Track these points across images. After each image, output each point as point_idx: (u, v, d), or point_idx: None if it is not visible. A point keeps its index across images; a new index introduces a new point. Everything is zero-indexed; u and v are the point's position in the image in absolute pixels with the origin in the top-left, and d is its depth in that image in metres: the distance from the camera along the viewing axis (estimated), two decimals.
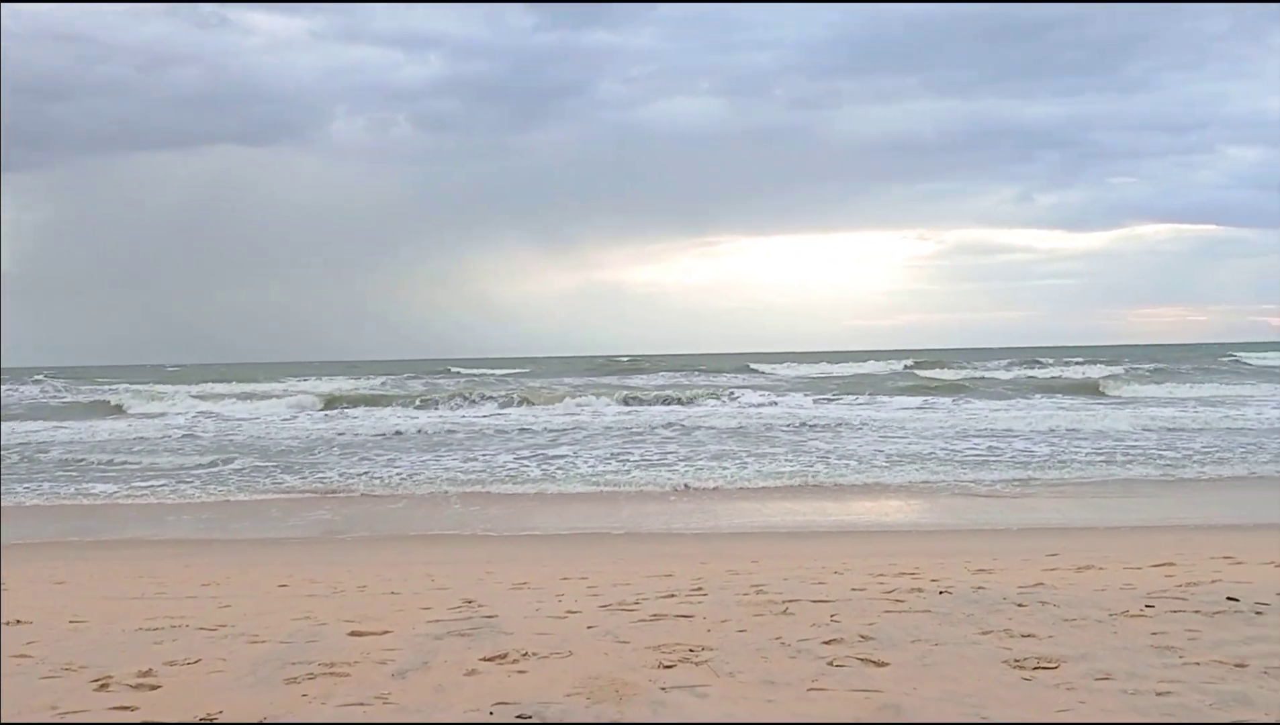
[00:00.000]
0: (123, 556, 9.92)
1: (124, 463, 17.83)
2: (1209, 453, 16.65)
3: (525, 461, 17.04)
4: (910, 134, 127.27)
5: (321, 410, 29.19)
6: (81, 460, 18.16)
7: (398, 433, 22.16)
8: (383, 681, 4.40)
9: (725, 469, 15.79)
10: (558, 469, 16.16)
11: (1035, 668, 4.32)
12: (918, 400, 30.04)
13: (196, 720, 3.94)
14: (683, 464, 16.40)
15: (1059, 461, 16.09)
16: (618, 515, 12.33)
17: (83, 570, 8.72)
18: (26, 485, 15.15)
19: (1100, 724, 3.65)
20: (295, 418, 26.88)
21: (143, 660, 4.82)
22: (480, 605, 6.13)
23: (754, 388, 35.47)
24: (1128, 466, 15.54)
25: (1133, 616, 5.25)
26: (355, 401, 31.19)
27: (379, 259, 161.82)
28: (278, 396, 32.76)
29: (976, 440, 18.97)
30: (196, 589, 7.36)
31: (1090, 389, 33.85)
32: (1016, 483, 14.35)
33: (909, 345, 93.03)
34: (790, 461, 16.56)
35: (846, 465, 16.04)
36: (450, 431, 22.32)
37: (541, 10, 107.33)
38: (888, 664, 4.43)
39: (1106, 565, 7.36)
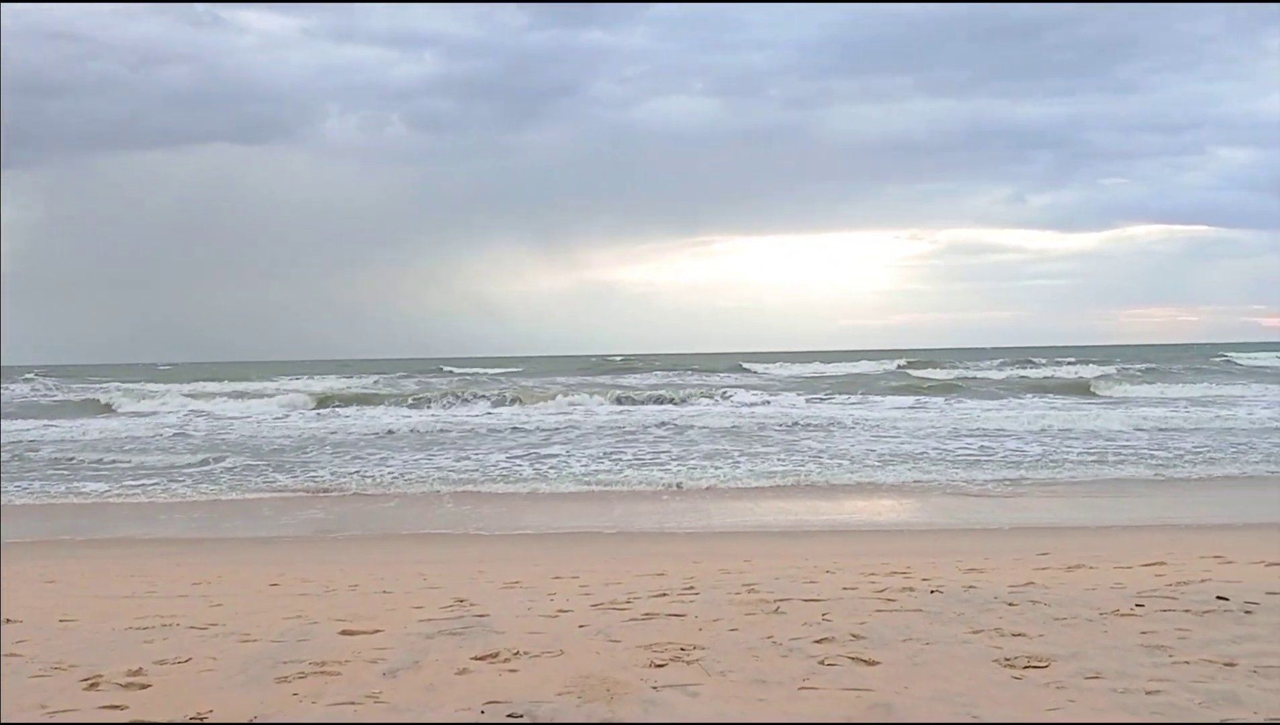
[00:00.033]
0: (114, 555, 9.89)
1: (115, 461, 17.79)
2: (1200, 453, 16.71)
3: (518, 460, 17.03)
4: (904, 134, 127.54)
5: (314, 409, 29.15)
6: (72, 459, 18.11)
7: (390, 432, 22.13)
8: (374, 680, 4.39)
9: (718, 468, 15.80)
10: (550, 468, 16.15)
11: (1026, 667, 4.33)
12: (910, 400, 30.09)
13: (187, 719, 3.93)
14: (675, 463, 16.41)
15: (1051, 461, 16.13)
16: (610, 514, 12.33)
17: (73, 569, 8.70)
18: (17, 484, 15.11)
19: (1090, 724, 3.66)
20: (287, 416, 26.83)
21: (133, 659, 4.81)
22: (472, 604, 6.13)
23: (747, 387, 35.49)
24: (1119, 466, 15.59)
25: (1123, 615, 5.26)
26: (347, 400, 31.13)
27: (372, 258, 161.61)
28: (270, 395, 32.67)
29: (969, 440, 19.01)
30: (187, 588, 7.35)
31: (1082, 389, 33.93)
32: (1008, 482, 14.38)
33: (902, 345, 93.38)
34: (783, 461, 16.58)
35: (839, 465, 16.06)
36: (443, 430, 22.30)
37: (535, 9, 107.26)
38: (879, 663, 4.44)
39: (1097, 564, 7.38)
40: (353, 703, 4.10)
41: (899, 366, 49.20)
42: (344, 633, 5.33)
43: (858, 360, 56.44)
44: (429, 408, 29.37)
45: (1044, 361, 52.30)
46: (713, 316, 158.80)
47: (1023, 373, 43.54)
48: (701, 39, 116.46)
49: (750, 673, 4.33)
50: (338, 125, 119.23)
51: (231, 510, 13.17)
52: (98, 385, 40.27)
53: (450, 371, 52.29)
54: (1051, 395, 31.73)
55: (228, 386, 37.68)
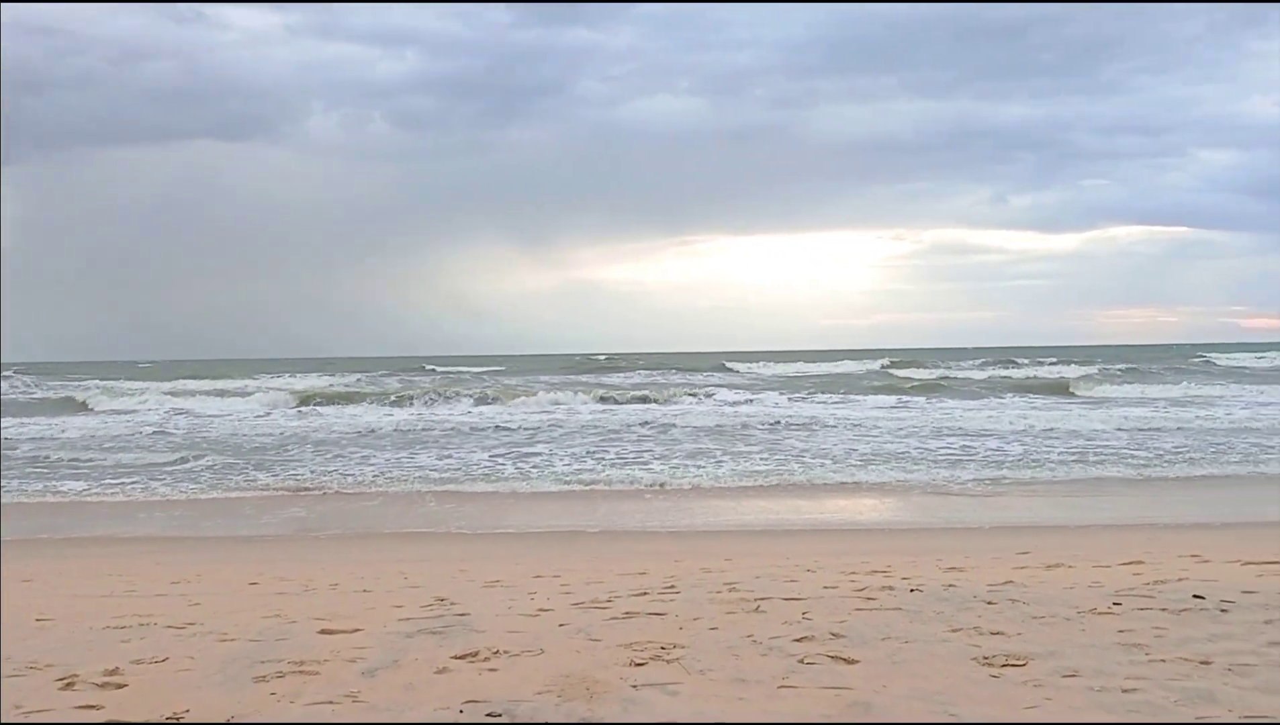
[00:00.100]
0: (92, 554, 9.83)
1: (93, 460, 17.67)
2: (1179, 453, 16.82)
3: (500, 459, 17.00)
4: (887, 134, 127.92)
5: (295, 407, 29.02)
6: (50, 457, 17.97)
7: (372, 430, 22.07)
8: (352, 680, 4.38)
9: (701, 467, 15.81)
10: (533, 467, 16.13)
11: (1004, 665, 4.35)
12: (892, 399, 30.21)
13: (163, 719, 3.91)
14: (658, 462, 16.42)
15: (1032, 461, 16.21)
16: (593, 513, 12.33)
17: (51, 568, 8.63)
18: None
19: (1066, 723, 3.68)
20: (268, 414, 26.71)
21: (109, 659, 4.78)
22: (452, 603, 6.12)
23: (730, 386, 35.55)
24: (1099, 466, 15.68)
25: (1100, 614, 5.29)
26: (329, 399, 31.01)
27: (355, 256, 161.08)
28: (251, 393, 32.50)
29: (950, 439, 19.08)
30: (166, 587, 7.30)
31: (1062, 389, 34.11)
32: (989, 482, 14.45)
33: (885, 344, 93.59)
34: (765, 460, 16.61)
35: (821, 464, 16.09)
36: (425, 429, 22.25)
37: (520, 8, 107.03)
38: (858, 661, 4.45)
39: (1076, 563, 7.41)
40: (331, 702, 4.08)
41: (882, 366, 49.36)
42: (323, 632, 5.31)
43: (841, 360, 56.59)
44: (411, 406, 29.28)
45: (1026, 361, 52.60)
46: (696, 316, 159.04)
47: (1004, 373, 43.76)
48: (686, 38, 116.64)
49: (730, 671, 4.34)
50: (320, 122, 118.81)
51: (211, 509, 13.11)
52: (77, 383, 40.01)
53: (433, 370, 52.17)
54: (1032, 395, 31.90)
55: (208, 384, 37.51)
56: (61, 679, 4.44)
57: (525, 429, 21.84)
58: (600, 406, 28.37)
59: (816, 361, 55.50)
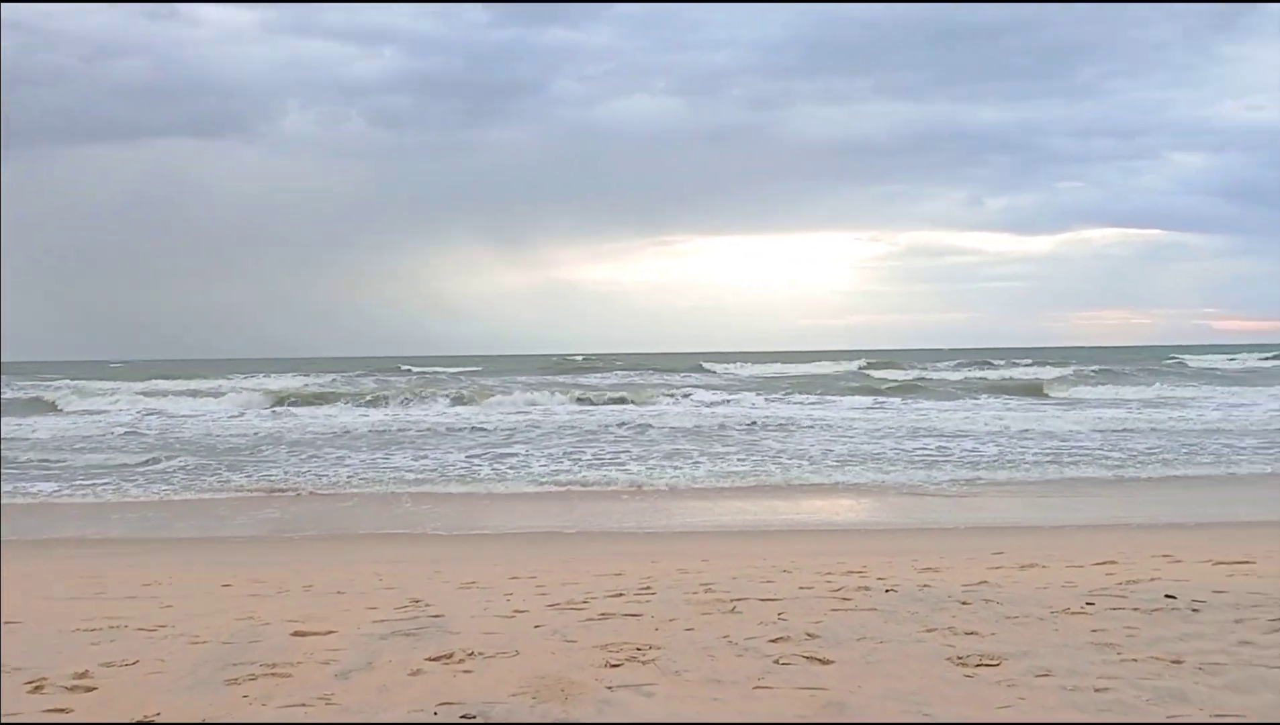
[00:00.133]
0: (61, 556, 9.72)
1: (64, 461, 17.48)
2: (1153, 453, 16.97)
3: (477, 460, 16.95)
4: (863, 136, 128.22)
5: (270, 408, 28.82)
6: (20, 458, 17.76)
7: (347, 431, 21.95)
8: (325, 682, 4.35)
9: (678, 468, 15.82)
10: (509, 468, 16.09)
11: (978, 665, 4.36)
12: (869, 400, 30.33)
13: (133, 722, 3.87)
14: (635, 463, 16.41)
15: (1007, 462, 16.31)
16: (569, 514, 12.31)
17: (20, 570, 8.52)
18: None
19: (1039, 723, 3.69)
20: (242, 415, 26.50)
21: (79, 661, 4.73)
22: (427, 605, 6.08)
23: (708, 387, 35.59)
24: (1074, 467, 15.79)
25: (1074, 614, 5.33)
26: (305, 399, 30.82)
27: (331, 255, 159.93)
28: (225, 393, 32.25)
29: (926, 440, 19.17)
30: (137, 589, 7.23)
31: (1036, 390, 34.35)
32: (965, 482, 14.52)
33: (862, 345, 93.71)
34: (742, 461, 16.63)
35: (798, 465, 16.13)
36: (401, 430, 22.16)
37: (497, 7, 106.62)
38: (833, 662, 4.46)
39: (1050, 564, 7.46)
40: (304, 704, 4.05)
41: (859, 367, 49.55)
42: (296, 634, 5.27)
43: (818, 360, 56.77)
44: (387, 407, 29.13)
45: (1002, 363, 52.93)
46: (674, 316, 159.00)
47: (980, 374, 44.04)
48: (663, 38, 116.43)
49: (705, 672, 4.34)
50: (296, 120, 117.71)
51: (184, 510, 12.99)
52: (47, 383, 39.56)
53: (409, 370, 51.91)
54: (1007, 396, 32.11)
55: (181, 384, 37.16)
56: (30, 682, 4.38)
57: (502, 430, 21.79)
58: (577, 407, 28.34)
59: (794, 362, 55.65)
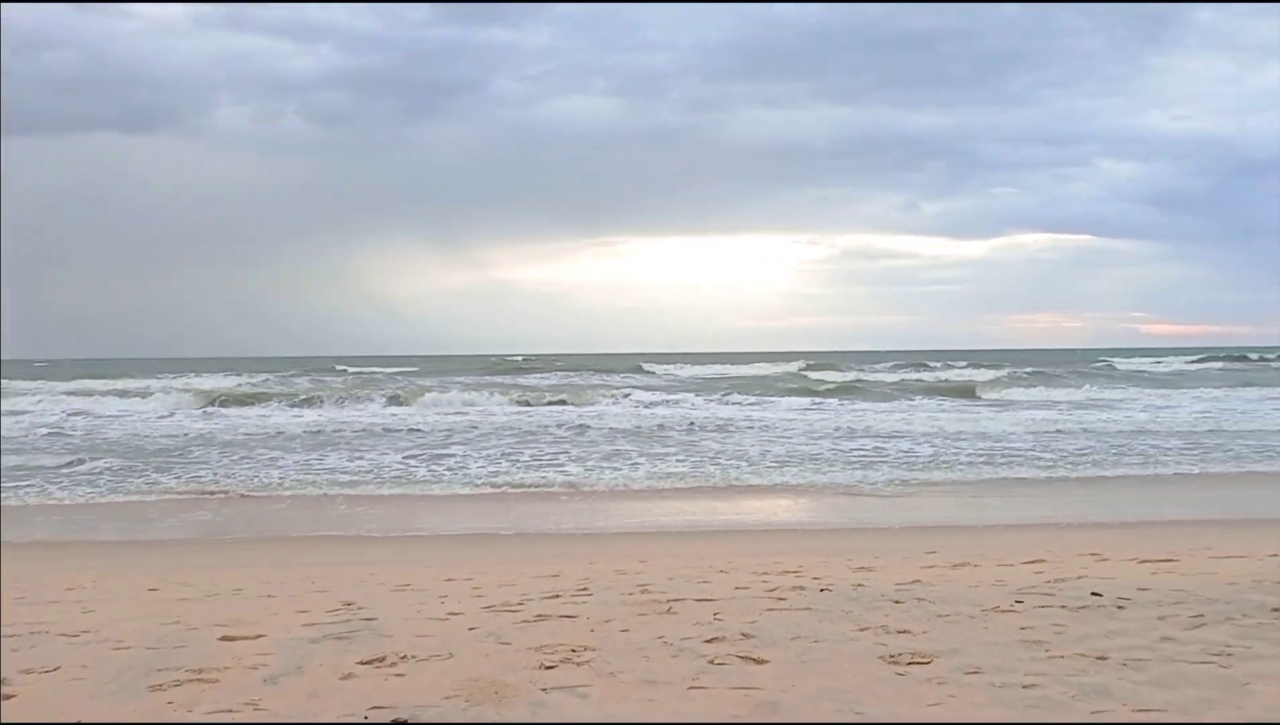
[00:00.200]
0: None
1: None
2: (1083, 454, 17.32)
3: (414, 462, 16.78)
4: (801, 139, 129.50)
5: (201, 408, 28.26)
6: None
7: (281, 432, 21.60)
8: (254, 687, 4.26)
9: (617, 469, 15.81)
10: (447, 469, 15.95)
11: (909, 663, 4.41)
12: (807, 401, 30.60)
13: None
14: (574, 464, 16.37)
15: (942, 462, 16.54)
16: (507, 516, 12.23)
17: None
18: None
19: (965, 723, 3.74)
20: (172, 415, 25.93)
21: None
22: (360, 608, 6.00)
23: (647, 388, 35.65)
24: (1006, 467, 16.07)
25: (1003, 612, 5.41)
26: (237, 399, 30.28)
27: (265, 253, 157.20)
28: (154, 394, 31.55)
29: (863, 441, 19.39)
30: (59, 593, 7.03)
31: (969, 392, 34.91)
32: (900, 483, 14.70)
33: (801, 347, 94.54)
34: (682, 462, 16.67)
35: (736, 465, 16.21)
36: (336, 431, 21.86)
37: (436, 6, 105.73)
38: (767, 661, 4.48)
39: (981, 562, 7.57)
40: (230, 710, 3.98)
41: (799, 369, 49.97)
42: (224, 638, 5.17)
43: (757, 362, 57.16)
44: (322, 407, 28.72)
45: (938, 365, 53.78)
46: (614, 317, 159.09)
47: (917, 376, 44.68)
48: (603, 39, 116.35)
49: (640, 673, 4.33)
50: (230, 116, 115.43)
51: (110, 513, 12.68)
52: None
53: (345, 370, 51.25)
54: (943, 398, 32.59)
55: (108, 384, 36.31)
56: None
57: (439, 431, 21.61)
58: (516, 408, 28.21)
59: (733, 363, 56.00)
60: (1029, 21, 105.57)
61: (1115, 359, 62.65)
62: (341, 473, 15.58)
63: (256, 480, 14.96)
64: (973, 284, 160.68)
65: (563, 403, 29.39)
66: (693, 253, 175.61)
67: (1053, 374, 43.53)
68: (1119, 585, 6.08)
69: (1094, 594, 5.79)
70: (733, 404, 29.96)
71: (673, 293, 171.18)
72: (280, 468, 16.11)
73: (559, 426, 22.14)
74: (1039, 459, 16.83)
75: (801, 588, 6.32)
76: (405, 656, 4.66)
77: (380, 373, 49.10)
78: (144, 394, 31.51)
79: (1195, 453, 17.44)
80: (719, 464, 16.38)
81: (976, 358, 65.18)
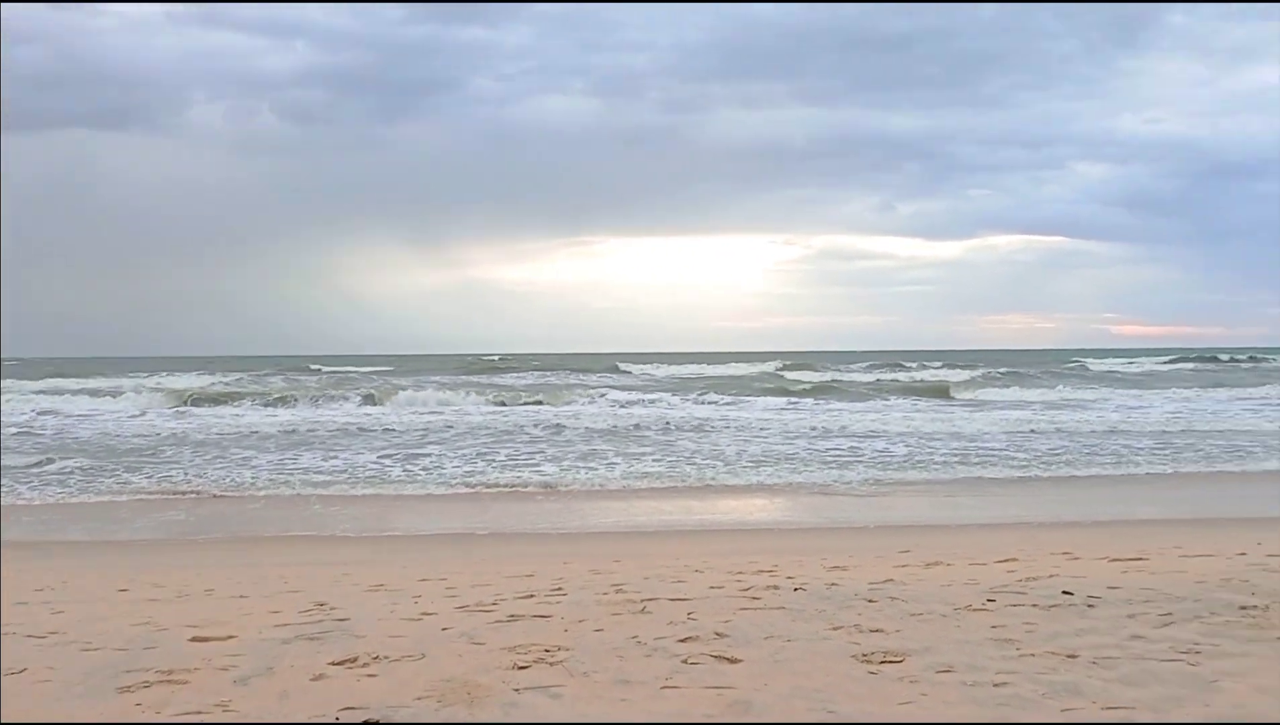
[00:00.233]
0: None
1: None
2: (1056, 454, 17.45)
3: (388, 461, 16.70)
4: (778, 140, 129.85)
5: (173, 407, 28.02)
6: None
7: (254, 431, 21.44)
8: (224, 688, 4.23)
9: (593, 469, 15.79)
10: (422, 469, 15.89)
11: (882, 662, 4.43)
12: (783, 401, 30.68)
13: None
14: (550, 464, 16.34)
15: (916, 462, 16.62)
16: (482, 516, 12.20)
17: None
18: None
19: (936, 722, 3.76)
20: (143, 415, 25.70)
21: None
22: (333, 608, 5.97)
23: (624, 388, 35.65)
24: (980, 467, 16.16)
25: (975, 610, 5.44)
26: (210, 398, 30.06)
27: (239, 252, 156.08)
28: (125, 393, 31.25)
29: (839, 441, 19.45)
30: (28, 594, 6.95)
31: (943, 392, 35.11)
32: (875, 482, 14.76)
33: (777, 347, 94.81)
34: (658, 461, 16.67)
35: (712, 465, 16.23)
36: (310, 430, 21.72)
37: (413, 5, 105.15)
38: (741, 660, 4.49)
39: (954, 561, 7.61)
40: (199, 712, 3.94)
41: (775, 369, 50.10)
42: (195, 639, 5.13)
43: (733, 362, 57.27)
44: (296, 406, 28.55)
45: (913, 365, 54.08)
46: (590, 316, 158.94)
47: (893, 376, 44.91)
48: (581, 39, 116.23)
49: (613, 673, 4.32)
50: (203, 113, 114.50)
51: (80, 513, 12.55)
52: None
53: (320, 370, 50.95)
54: (918, 398, 32.76)
55: (80, 383, 35.94)
56: None
57: (415, 430, 21.51)
58: (492, 407, 28.13)
59: (709, 363, 56.09)
60: (1004, 24, 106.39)
61: (1088, 359, 63.16)
62: (316, 472, 15.49)
63: (229, 480, 14.86)
64: (947, 285, 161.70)
65: (539, 402, 29.34)
66: (670, 253, 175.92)
67: (1026, 374, 43.81)
68: (1090, 584, 6.13)
69: (1065, 593, 5.84)
70: (709, 404, 29.99)
71: (649, 293, 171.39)
72: (253, 467, 16.00)
73: (535, 426, 22.10)
74: (1013, 459, 16.94)
75: (775, 587, 6.34)
76: (377, 657, 4.64)
77: (355, 372, 48.86)
78: (115, 393, 31.15)
79: (1166, 452, 17.60)
80: (695, 464, 16.39)
81: (951, 358, 65.62)
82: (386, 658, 4.62)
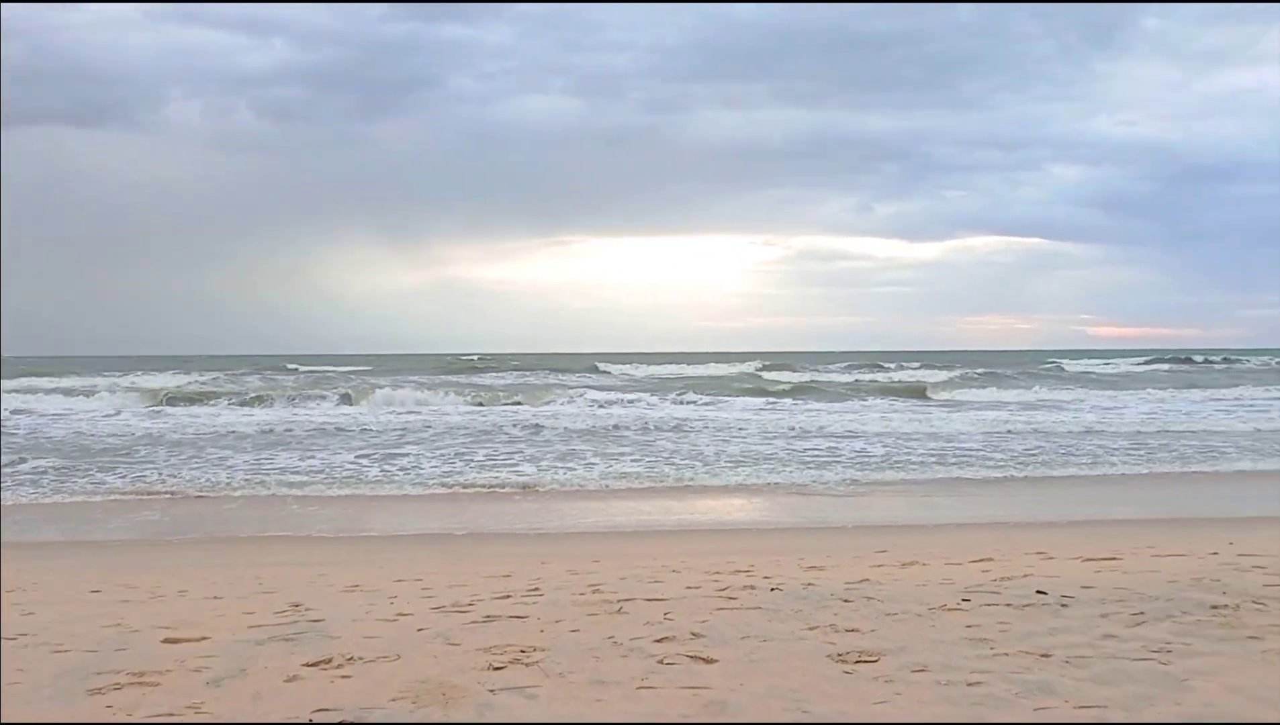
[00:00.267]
0: None
1: None
2: (1032, 455, 17.55)
3: (366, 461, 16.62)
4: (758, 140, 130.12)
5: (149, 407, 27.81)
6: None
7: (231, 431, 21.30)
8: (196, 690, 4.20)
9: (571, 469, 15.77)
10: (400, 469, 15.83)
11: (857, 661, 4.44)
12: (762, 401, 30.74)
13: None
14: (529, 464, 16.31)
15: (894, 462, 16.68)
16: (460, 516, 12.16)
17: None
18: None
19: (910, 721, 3.77)
20: (118, 414, 25.48)
21: None
22: (308, 609, 5.93)
23: (603, 388, 35.62)
24: (957, 467, 16.24)
25: (950, 610, 5.47)
26: (186, 398, 29.85)
27: (216, 250, 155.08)
28: (101, 392, 30.99)
29: (817, 441, 19.50)
30: None
31: (919, 392, 35.28)
32: (853, 482, 14.81)
33: (757, 347, 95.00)
34: (636, 462, 16.66)
35: (691, 465, 16.24)
36: (288, 430, 21.59)
37: (393, 4, 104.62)
38: (717, 661, 4.49)
39: (930, 561, 7.64)
40: (171, 714, 3.91)
41: (755, 369, 50.20)
42: (167, 640, 5.09)
43: (712, 362, 57.33)
44: (273, 406, 28.38)
45: (892, 366, 54.30)
46: (570, 316, 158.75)
47: (872, 377, 45.09)
48: (562, 38, 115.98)
49: (589, 673, 4.32)
50: (181, 110, 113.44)
51: (53, 513, 12.43)
52: None
53: (297, 369, 50.69)
54: (896, 398, 32.90)
55: (54, 382, 35.60)
56: None
57: (393, 430, 21.43)
58: (470, 407, 28.06)
59: (689, 363, 56.12)
60: (981, 26, 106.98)
61: (1064, 360, 63.60)
62: (292, 472, 15.40)
63: (205, 480, 14.75)
64: (926, 285, 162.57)
65: (518, 402, 29.28)
66: (649, 253, 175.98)
67: (1003, 375, 44.09)
68: (1063, 583, 6.17)
69: (1039, 592, 5.87)
70: (688, 404, 30.02)
71: (629, 293, 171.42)
72: (229, 468, 15.89)
73: (514, 426, 22.06)
74: (989, 459, 17.03)
75: (752, 587, 6.35)
76: (352, 658, 4.62)
77: (334, 371, 48.60)
78: (89, 392, 30.90)
79: (1141, 453, 17.74)
80: (674, 464, 16.40)
81: (929, 359, 65.96)
82: (361, 659, 4.60)
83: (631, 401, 30.26)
